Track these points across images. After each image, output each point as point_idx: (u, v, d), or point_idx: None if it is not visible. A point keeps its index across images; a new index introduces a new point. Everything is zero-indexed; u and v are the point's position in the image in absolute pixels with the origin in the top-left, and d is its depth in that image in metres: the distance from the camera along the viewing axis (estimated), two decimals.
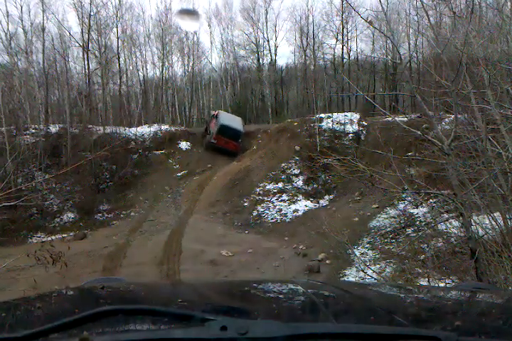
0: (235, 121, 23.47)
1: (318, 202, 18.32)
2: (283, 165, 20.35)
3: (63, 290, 1.83)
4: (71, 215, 18.88)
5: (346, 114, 23.62)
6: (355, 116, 22.96)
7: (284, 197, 18.67)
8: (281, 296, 1.67)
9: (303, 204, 18.14)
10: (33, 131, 22.58)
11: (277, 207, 18.12)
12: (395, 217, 14.38)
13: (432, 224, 12.38)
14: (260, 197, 18.69)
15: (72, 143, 21.48)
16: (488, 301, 1.66)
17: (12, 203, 13.61)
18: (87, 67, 28.61)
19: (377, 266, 11.44)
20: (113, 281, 1.97)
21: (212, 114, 24.86)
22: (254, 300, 1.62)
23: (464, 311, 1.48)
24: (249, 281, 2.16)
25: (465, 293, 1.76)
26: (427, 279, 7.98)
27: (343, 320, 1.28)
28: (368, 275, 11.05)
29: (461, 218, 5.77)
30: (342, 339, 1.01)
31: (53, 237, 17.48)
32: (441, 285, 7.59)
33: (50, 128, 23.33)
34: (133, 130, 24.90)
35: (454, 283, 7.20)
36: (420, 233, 12.12)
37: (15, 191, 17.35)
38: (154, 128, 25.44)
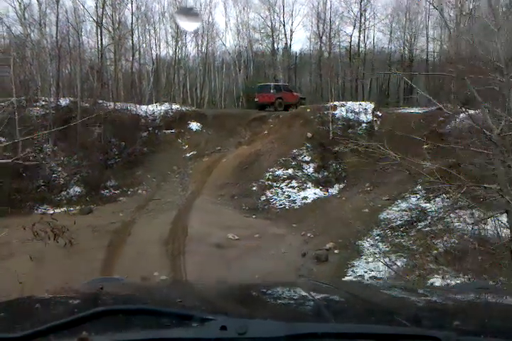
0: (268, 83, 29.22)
1: (327, 191, 18.06)
2: (294, 151, 20.05)
3: (62, 290, 1.87)
4: (78, 189, 18.72)
5: (361, 103, 23.20)
6: (370, 106, 22.57)
7: (294, 183, 18.41)
8: (280, 296, 1.67)
9: (312, 192, 17.89)
10: (43, 103, 22.32)
11: (286, 193, 17.89)
12: (406, 210, 14.15)
13: (445, 220, 12.18)
14: (269, 183, 18.46)
15: (81, 117, 21.23)
16: (488, 301, 1.66)
17: (8, 161, 13.48)
18: (100, 43, 28.28)
19: (387, 258, 11.24)
20: (112, 281, 1.99)
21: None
22: (254, 300, 1.62)
23: (464, 311, 1.47)
24: (248, 282, 2.20)
25: (465, 293, 1.78)
26: (440, 276, 7.80)
27: (343, 320, 1.28)
28: (380, 267, 10.91)
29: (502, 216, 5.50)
30: (342, 339, 1.02)
31: (59, 210, 17.39)
32: (457, 282, 7.41)
33: (61, 101, 23.06)
34: (143, 108, 24.63)
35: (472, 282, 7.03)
36: (433, 228, 11.93)
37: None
38: (165, 107, 25.13)
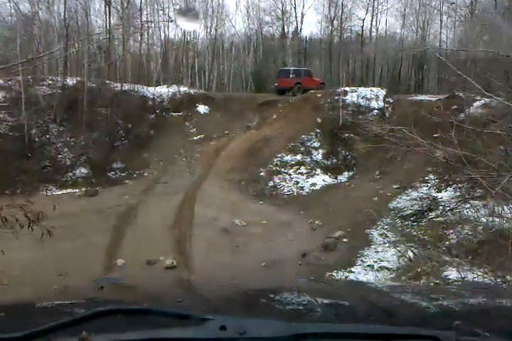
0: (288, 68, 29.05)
1: (336, 178, 17.79)
2: (303, 136, 19.74)
3: (63, 290, 1.93)
4: (84, 171, 18.51)
5: (372, 89, 22.80)
6: (382, 92, 22.15)
7: (302, 169, 18.12)
8: (280, 296, 1.66)
9: (321, 179, 17.62)
10: (50, 82, 22.01)
11: (294, 179, 17.62)
12: (416, 200, 13.86)
13: (458, 210, 11.92)
14: (277, 168, 18.18)
15: (88, 97, 20.94)
16: (488, 301, 1.65)
17: None
18: (108, 22, 27.86)
19: (397, 248, 11.02)
20: (112, 281, 2.00)
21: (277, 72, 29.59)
22: (254, 300, 1.60)
23: (464, 311, 1.47)
24: (248, 282, 2.21)
25: (465, 293, 1.80)
26: (455, 269, 7.57)
27: (342, 320, 1.29)
28: (390, 257, 10.69)
29: None
30: (342, 338, 1.02)
31: (64, 191, 17.24)
32: (473, 276, 7.18)
33: (68, 80, 22.73)
34: (151, 89, 24.27)
35: (489, 276, 6.79)
36: (445, 218, 11.66)
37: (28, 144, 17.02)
38: (173, 89, 24.74)
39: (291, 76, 26.31)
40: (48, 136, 19.46)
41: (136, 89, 23.42)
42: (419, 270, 8.19)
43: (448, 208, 12.52)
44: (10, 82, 20.53)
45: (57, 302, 1.59)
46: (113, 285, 1.86)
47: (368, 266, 10.33)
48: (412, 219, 12.76)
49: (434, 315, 1.39)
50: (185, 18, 3.08)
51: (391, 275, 9.36)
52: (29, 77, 21.24)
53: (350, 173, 18.08)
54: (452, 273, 7.26)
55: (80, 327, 1.01)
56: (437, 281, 6.99)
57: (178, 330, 1.05)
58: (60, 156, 18.83)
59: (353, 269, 10.23)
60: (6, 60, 26.15)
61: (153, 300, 1.63)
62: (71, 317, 1.06)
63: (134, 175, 18.83)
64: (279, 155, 18.88)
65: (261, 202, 15.88)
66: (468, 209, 11.45)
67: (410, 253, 9.48)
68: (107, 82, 23.01)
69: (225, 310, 1.39)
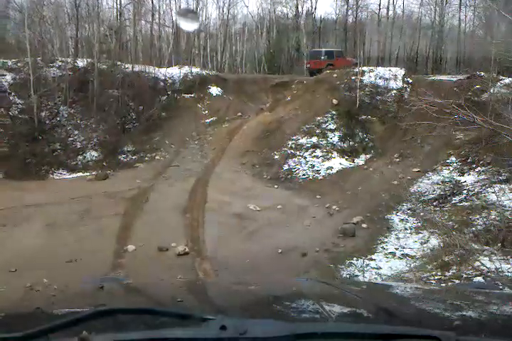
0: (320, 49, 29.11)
1: (353, 161, 17.14)
2: (318, 118, 19.09)
3: (63, 290, 1.91)
4: (94, 154, 18.13)
5: (391, 68, 21.95)
6: (400, 72, 21.33)
7: (318, 152, 17.49)
8: (281, 296, 1.65)
9: (337, 162, 16.99)
10: (60, 63, 21.56)
11: (310, 162, 17.02)
12: (438, 183, 13.27)
13: (483, 194, 11.33)
14: (292, 151, 17.61)
15: (99, 79, 20.50)
16: (488, 301, 1.64)
17: None
18: (118, 2, 27.36)
19: (420, 235, 10.51)
20: (112, 281, 1.98)
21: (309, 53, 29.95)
22: (254, 300, 1.59)
23: (464, 311, 1.45)
24: (248, 282, 2.18)
25: (465, 293, 1.79)
26: (487, 258, 7.05)
27: (343, 320, 1.29)
28: (411, 244, 10.20)
29: None
30: (342, 338, 1.02)
31: (75, 175, 16.93)
32: (507, 266, 6.68)
33: (78, 62, 22.28)
34: (162, 70, 23.76)
35: None
36: (470, 203, 11.09)
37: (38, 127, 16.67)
38: (185, 70, 24.19)
39: (322, 58, 25.98)
40: (58, 119, 19.10)
41: (147, 71, 22.88)
42: (446, 259, 7.70)
43: (472, 192, 11.93)
44: (19, 64, 20.15)
45: (58, 302, 1.55)
46: (113, 285, 1.83)
47: (390, 253, 9.83)
48: (434, 204, 12.19)
49: (434, 315, 1.38)
50: (184, 19, 3.15)
51: (415, 264, 8.86)
52: (39, 58, 20.84)
53: (368, 156, 17.43)
54: (485, 263, 6.74)
55: (80, 327, 1.00)
56: (469, 272, 6.51)
57: (178, 330, 1.04)
58: (70, 139, 18.48)
59: (373, 257, 9.73)
60: (18, 41, 25.86)
61: (153, 299, 1.63)
62: (71, 317, 1.05)
63: (146, 158, 18.44)
64: (294, 137, 18.31)
65: (276, 186, 15.40)
66: (494, 194, 10.86)
67: (435, 240, 8.98)
68: (118, 63, 22.52)
69: (226, 310, 1.36)
